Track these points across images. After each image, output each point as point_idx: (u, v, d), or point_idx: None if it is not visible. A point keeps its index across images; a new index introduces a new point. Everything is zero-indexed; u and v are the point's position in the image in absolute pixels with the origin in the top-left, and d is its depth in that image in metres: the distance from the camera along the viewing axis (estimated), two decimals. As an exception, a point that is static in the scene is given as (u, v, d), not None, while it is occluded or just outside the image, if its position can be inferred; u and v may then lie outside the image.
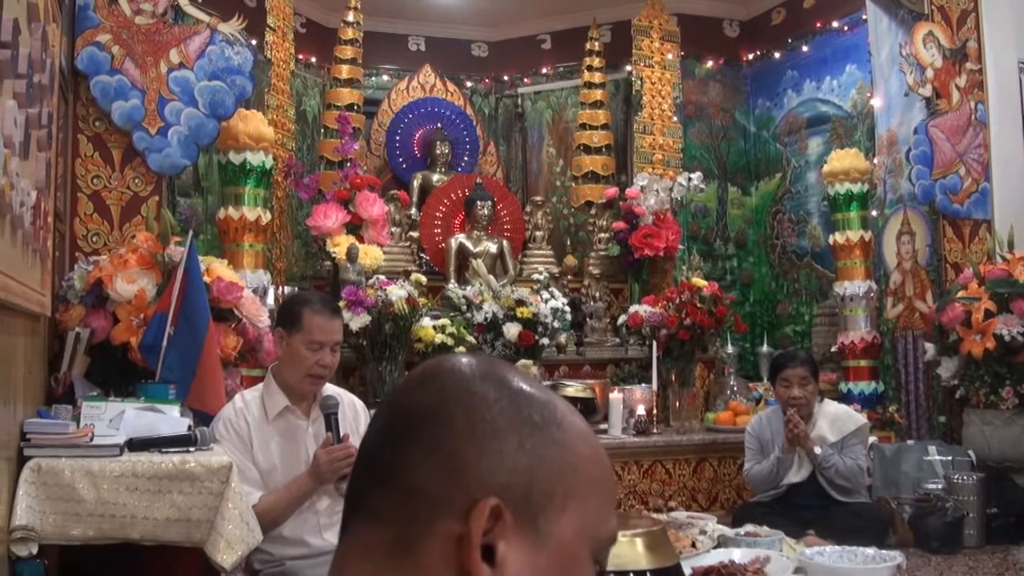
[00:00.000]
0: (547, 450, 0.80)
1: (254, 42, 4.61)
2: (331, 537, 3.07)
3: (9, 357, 2.31)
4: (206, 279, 3.47)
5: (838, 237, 5.81)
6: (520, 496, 0.77)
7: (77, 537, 2.38)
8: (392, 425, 0.83)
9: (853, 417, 4.36)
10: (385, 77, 7.28)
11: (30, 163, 2.39)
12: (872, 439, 4.77)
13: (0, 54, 1.86)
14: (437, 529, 0.76)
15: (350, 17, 6.39)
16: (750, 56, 7.21)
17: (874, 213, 5.82)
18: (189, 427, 2.83)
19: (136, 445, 2.64)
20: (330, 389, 3.23)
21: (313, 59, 6.82)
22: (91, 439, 2.58)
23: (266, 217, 4.87)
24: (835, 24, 6.47)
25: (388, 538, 0.79)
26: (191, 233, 3.40)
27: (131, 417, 2.79)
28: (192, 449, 2.68)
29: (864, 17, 5.92)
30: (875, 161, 5.80)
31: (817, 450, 4.15)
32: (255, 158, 4.79)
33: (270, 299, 4.82)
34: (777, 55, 6.99)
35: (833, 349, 5.85)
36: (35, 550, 2.30)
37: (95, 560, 2.75)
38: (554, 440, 0.80)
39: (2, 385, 2.19)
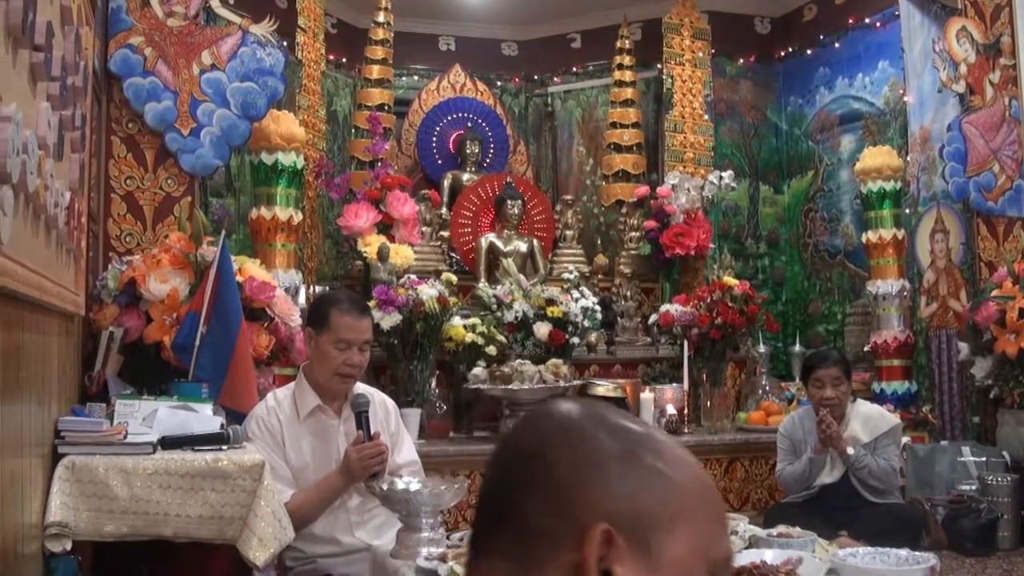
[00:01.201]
0: (649, 477, 0.83)
1: (285, 43, 4.64)
2: (362, 535, 3.08)
3: (44, 356, 2.33)
4: (239, 279, 3.49)
5: (871, 235, 5.76)
6: (628, 521, 0.80)
7: (110, 534, 2.41)
8: (502, 470, 0.89)
9: (886, 417, 4.32)
10: (415, 77, 7.29)
11: (64, 164, 2.42)
12: (905, 439, 4.73)
13: (34, 57, 1.88)
14: (556, 561, 0.80)
15: (381, 18, 6.41)
16: (782, 53, 7.17)
17: (907, 211, 5.77)
18: (222, 425, 2.85)
19: (169, 443, 2.66)
20: (360, 388, 3.25)
21: (344, 60, 6.85)
22: (125, 437, 2.60)
23: (298, 217, 4.90)
24: (867, 20, 6.42)
25: (511, 571, 0.83)
26: (224, 233, 3.43)
27: (164, 415, 2.81)
28: (225, 447, 2.69)
29: (897, 13, 5.87)
30: (908, 158, 5.75)
31: (850, 451, 4.11)
32: (287, 158, 4.82)
33: (302, 298, 4.85)
34: (809, 52, 6.94)
35: (866, 348, 5.81)
36: (69, 546, 2.33)
37: (128, 557, 2.78)
38: (655, 467, 0.84)
39: (37, 383, 2.22)
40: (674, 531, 0.81)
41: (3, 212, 1.53)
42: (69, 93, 2.38)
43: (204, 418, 2.88)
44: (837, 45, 6.68)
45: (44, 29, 1.90)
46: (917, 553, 2.58)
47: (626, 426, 0.87)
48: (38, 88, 1.97)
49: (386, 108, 6.36)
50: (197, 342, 3.21)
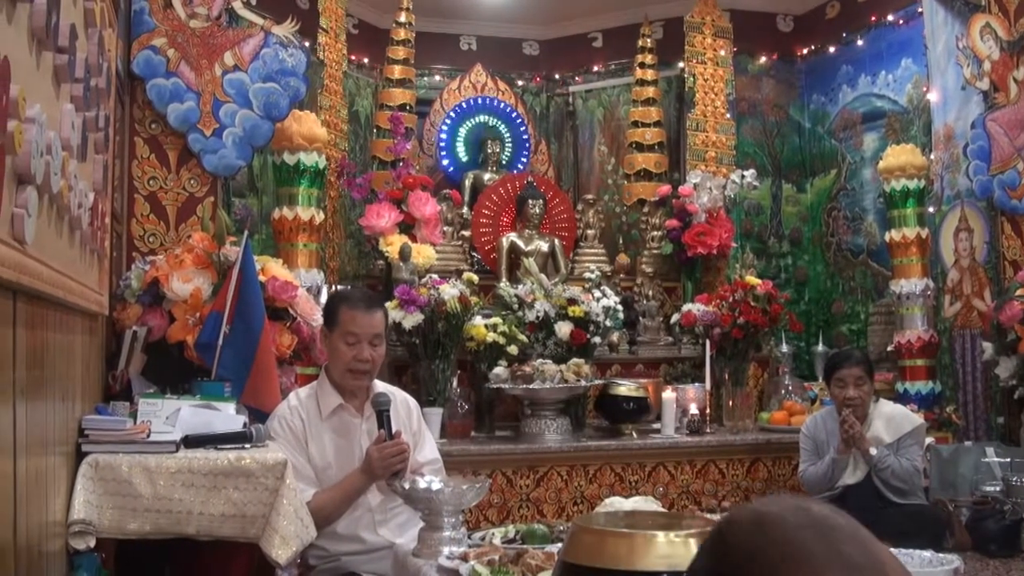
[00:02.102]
0: None
1: (307, 44, 4.65)
2: (385, 533, 3.10)
3: (68, 355, 2.35)
4: (261, 278, 3.50)
5: (894, 234, 5.72)
6: None
7: (133, 531, 2.43)
8: (719, 564, 0.86)
9: (909, 417, 4.29)
10: (437, 77, 7.29)
11: (88, 165, 2.44)
12: (929, 440, 4.69)
13: (57, 59, 1.89)
14: None
15: (402, 18, 6.42)
16: (804, 51, 7.12)
17: (931, 209, 5.73)
18: (244, 424, 2.87)
19: (192, 442, 2.68)
20: (381, 387, 3.26)
21: (365, 60, 6.87)
22: (148, 436, 2.62)
23: (320, 217, 4.92)
24: (890, 17, 6.37)
25: None
26: (246, 233, 3.44)
27: (187, 414, 2.83)
28: (247, 446, 2.71)
29: (919, 10, 5.83)
30: (932, 156, 5.70)
31: (873, 451, 4.09)
32: (308, 158, 4.84)
33: (323, 298, 4.86)
34: (831, 49, 6.89)
35: (889, 348, 5.76)
36: (92, 544, 2.35)
37: (151, 555, 2.80)
38: None
39: (61, 382, 2.24)
40: None
41: (27, 213, 1.54)
42: (92, 94, 2.40)
43: (227, 417, 2.90)
44: (860, 42, 6.63)
45: (68, 31, 1.92)
46: (941, 555, 2.57)
47: (860, 562, 0.82)
48: (62, 90, 1.99)
49: (408, 108, 6.37)
50: (220, 341, 3.22)
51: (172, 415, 2.80)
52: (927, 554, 2.57)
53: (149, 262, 3.58)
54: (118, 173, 3.71)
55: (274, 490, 2.53)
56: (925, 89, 5.91)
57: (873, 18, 6.51)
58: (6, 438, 1.61)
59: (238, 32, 4.27)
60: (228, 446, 2.67)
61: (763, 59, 7.08)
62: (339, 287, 5.34)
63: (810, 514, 0.85)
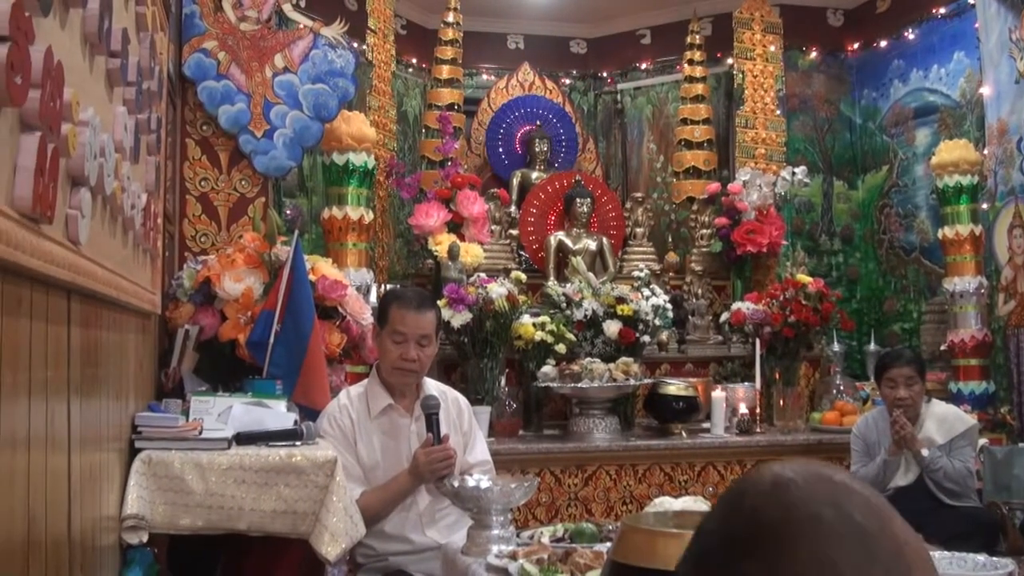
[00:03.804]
0: None
1: (356, 45, 4.68)
2: (433, 534, 3.11)
3: (121, 353, 2.39)
4: (311, 277, 3.53)
5: (947, 231, 5.63)
6: None
7: (186, 527, 2.46)
8: (734, 528, 0.84)
9: (962, 418, 4.22)
10: (485, 76, 7.31)
11: (140, 167, 2.47)
12: (982, 441, 4.61)
13: (110, 63, 1.92)
14: None
15: (450, 18, 6.44)
16: (855, 45, 7.02)
17: (984, 206, 5.62)
18: (295, 422, 2.89)
19: (243, 439, 2.71)
20: (432, 386, 3.27)
21: (414, 60, 6.90)
22: (200, 433, 2.65)
23: (369, 216, 4.95)
24: (942, 11, 6.26)
25: None
26: (297, 233, 3.46)
27: (239, 412, 2.85)
28: (298, 443, 2.73)
29: (972, 2, 5.72)
30: (985, 152, 5.60)
31: (925, 452, 4.03)
32: (358, 158, 4.88)
33: (373, 297, 4.89)
34: (883, 44, 6.79)
35: (943, 347, 5.67)
36: (145, 538, 2.38)
37: (202, 550, 2.84)
38: None
39: (114, 380, 2.27)
40: None
41: (81, 214, 1.57)
42: (144, 97, 2.44)
43: (278, 415, 2.93)
44: (911, 36, 6.53)
45: (120, 36, 1.95)
46: (995, 559, 2.53)
47: (877, 536, 0.80)
48: (114, 93, 2.02)
49: (456, 107, 6.40)
50: (271, 340, 3.25)
51: (224, 413, 2.82)
52: (980, 558, 2.52)
53: (201, 262, 3.62)
54: (170, 174, 3.76)
55: (324, 487, 2.55)
56: (978, 83, 5.80)
57: (924, 11, 6.39)
58: (61, 434, 1.64)
59: (288, 34, 4.31)
60: (279, 443, 2.69)
61: (813, 54, 6.99)
62: (392, 286, 5.37)
63: (831, 485, 0.83)
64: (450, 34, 6.45)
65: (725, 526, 0.84)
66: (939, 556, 2.55)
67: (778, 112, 6.57)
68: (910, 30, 6.53)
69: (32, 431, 1.42)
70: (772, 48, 6.58)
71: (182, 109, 4.13)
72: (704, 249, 6.35)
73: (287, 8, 4.41)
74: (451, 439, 3.10)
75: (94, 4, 1.67)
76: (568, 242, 6.09)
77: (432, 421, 3.04)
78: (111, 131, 1.89)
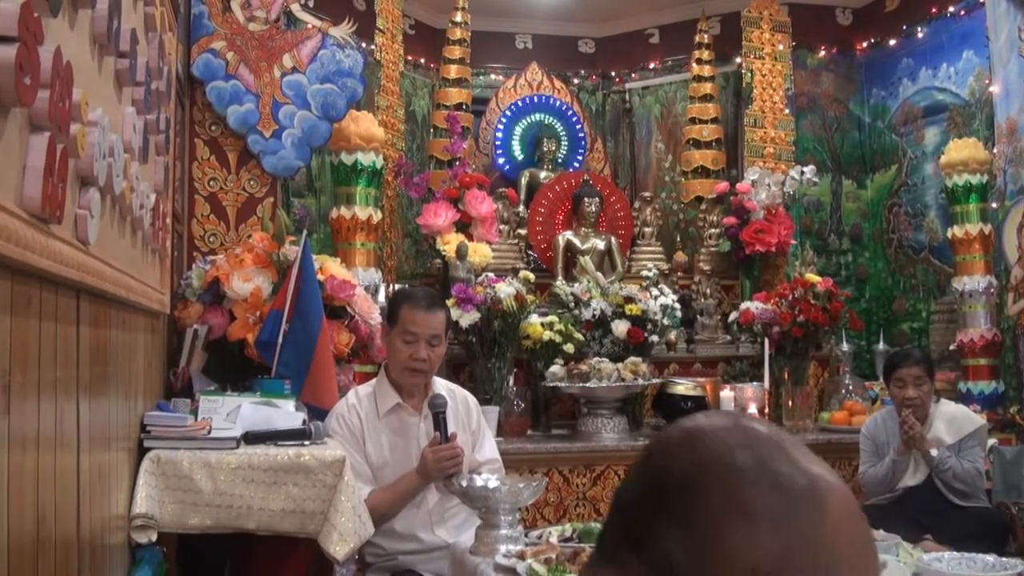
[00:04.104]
0: (803, 533, 0.78)
1: (364, 45, 4.69)
2: (442, 533, 3.11)
3: (130, 352, 2.40)
4: (320, 277, 3.53)
5: (956, 231, 5.62)
6: None
7: (194, 526, 2.46)
8: (646, 485, 0.84)
9: (971, 418, 4.21)
10: (493, 76, 7.31)
11: (149, 167, 2.48)
12: (992, 441, 4.59)
13: (119, 63, 1.93)
14: None
15: (458, 17, 6.45)
16: (864, 44, 7.00)
17: (994, 205, 5.60)
18: (304, 421, 2.89)
19: (252, 438, 2.71)
20: (441, 386, 3.28)
21: (422, 60, 6.91)
22: (209, 432, 2.65)
23: (377, 216, 4.96)
24: (951, 9, 6.23)
25: None
26: (305, 232, 3.47)
27: (247, 411, 2.85)
28: (307, 443, 2.73)
29: (981, 1, 5.71)
30: (995, 151, 5.57)
31: (933, 452, 4.01)
32: (366, 158, 4.88)
33: (381, 297, 4.90)
34: (892, 42, 6.76)
35: (952, 347, 5.66)
36: (154, 537, 2.38)
37: (210, 549, 2.85)
38: (812, 526, 0.79)
39: (123, 379, 2.28)
40: None
41: (90, 214, 1.57)
42: (153, 98, 2.44)
43: (286, 414, 2.93)
44: (920, 35, 6.50)
45: (129, 36, 1.95)
46: (1004, 559, 2.52)
47: (791, 471, 0.81)
48: (123, 93, 2.03)
49: (464, 107, 6.40)
50: (280, 339, 3.26)
51: (232, 412, 2.82)
52: (990, 558, 2.51)
53: (210, 262, 3.63)
54: (179, 174, 3.77)
55: (332, 487, 2.55)
56: (987, 82, 5.78)
57: (934, 10, 6.37)
58: (70, 434, 1.65)
59: (296, 34, 4.32)
60: (287, 443, 2.69)
61: (822, 53, 6.97)
62: (401, 285, 5.37)
63: (738, 431, 0.83)
64: (458, 34, 6.46)
65: (639, 487, 0.85)
66: (948, 556, 2.54)
67: (787, 111, 6.55)
68: (919, 29, 6.51)
69: (41, 430, 1.42)
70: (781, 47, 6.57)
71: (191, 109, 4.14)
72: (713, 248, 6.34)
73: (295, 8, 4.42)
74: (459, 438, 3.10)
75: (103, 5, 1.67)
76: (576, 242, 6.09)
77: (439, 420, 3.04)
78: (120, 131, 1.90)
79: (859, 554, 0.81)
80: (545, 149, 6.70)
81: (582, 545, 2.58)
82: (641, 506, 0.83)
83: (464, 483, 2.78)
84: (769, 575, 0.76)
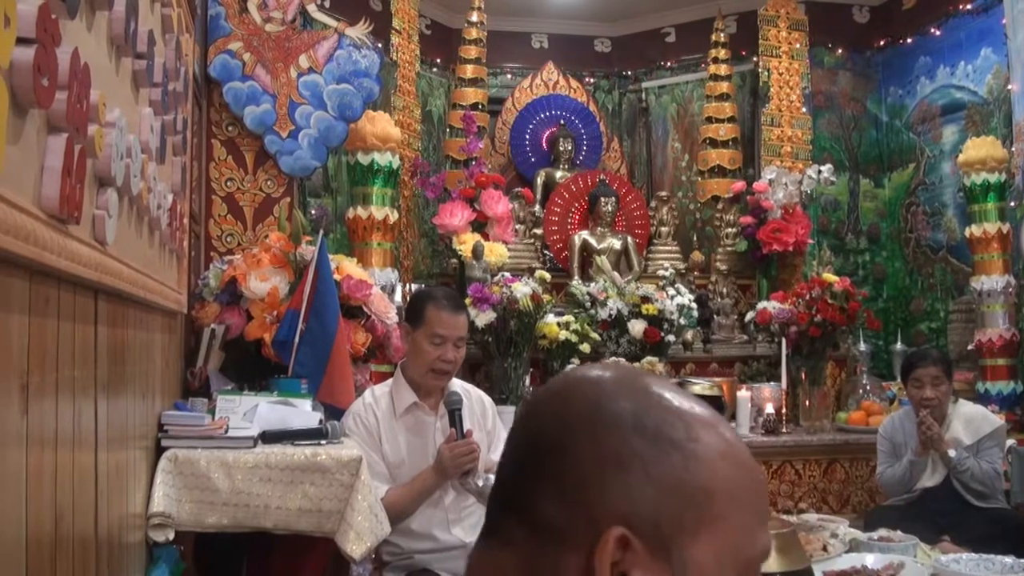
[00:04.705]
0: (676, 476, 0.77)
1: (380, 45, 4.70)
2: (459, 532, 3.11)
3: (148, 352, 2.41)
4: (336, 277, 3.54)
5: (975, 230, 5.59)
6: (649, 526, 0.76)
7: (212, 525, 2.47)
8: (521, 451, 0.84)
9: (989, 418, 4.18)
10: (509, 75, 7.32)
11: (166, 167, 2.49)
12: (1010, 442, 4.56)
13: (136, 64, 1.94)
14: (566, 563, 0.76)
15: (474, 17, 6.45)
16: (881, 42, 6.97)
17: (1012, 204, 5.57)
18: (320, 421, 2.90)
19: (269, 437, 2.72)
20: (457, 385, 3.28)
21: (438, 60, 6.91)
22: (226, 431, 2.67)
23: (393, 216, 4.96)
24: (969, 6, 6.19)
25: (519, 564, 0.80)
26: (322, 232, 3.48)
27: (264, 410, 2.86)
28: (323, 442, 2.74)
29: (998, -3, 5.68)
30: (1013, 149, 5.53)
31: (951, 453, 3.99)
32: (382, 158, 4.89)
33: (398, 296, 4.91)
34: (909, 40, 6.73)
35: (970, 347, 5.62)
36: (171, 536, 2.40)
37: (228, 548, 2.86)
38: (684, 464, 0.78)
39: (141, 379, 2.29)
40: (699, 535, 0.77)
41: (108, 214, 1.58)
42: (171, 98, 2.45)
43: (303, 413, 2.94)
44: (938, 33, 6.47)
45: (146, 37, 1.96)
46: (1022, 560, 2.50)
47: (658, 413, 0.80)
48: (141, 94, 2.04)
49: (480, 107, 6.41)
50: (296, 339, 3.27)
51: (250, 411, 2.84)
52: (1008, 560, 2.50)
53: (227, 261, 3.64)
54: (196, 175, 3.78)
55: (349, 486, 2.56)
56: (1005, 79, 5.74)
57: (951, 7, 6.33)
58: (88, 433, 1.66)
59: (312, 35, 4.33)
60: (304, 442, 2.70)
61: (839, 51, 6.94)
62: (420, 286, 5.38)
63: (596, 386, 0.83)
64: (474, 33, 6.46)
65: (514, 455, 0.85)
66: (966, 558, 2.53)
67: (804, 110, 6.54)
68: (936, 26, 6.47)
69: (60, 429, 1.43)
70: (798, 45, 6.55)
71: (208, 110, 4.16)
72: (729, 248, 6.33)
73: (312, 9, 4.43)
74: (475, 436, 3.10)
75: (120, 6, 1.68)
76: (592, 241, 6.08)
77: (455, 417, 3.04)
78: (137, 132, 1.91)
79: (742, 493, 0.80)
80: (561, 149, 6.70)
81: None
82: (518, 474, 0.83)
83: (480, 482, 2.78)
84: (649, 521, 0.76)
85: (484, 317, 4.83)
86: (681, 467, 0.78)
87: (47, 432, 1.36)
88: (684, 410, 0.81)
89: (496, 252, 5.32)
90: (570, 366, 4.91)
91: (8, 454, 1.17)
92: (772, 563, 1.86)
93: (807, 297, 5.50)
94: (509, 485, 0.84)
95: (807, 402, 5.35)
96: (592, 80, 7.47)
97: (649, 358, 5.01)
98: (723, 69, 6.67)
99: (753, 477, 0.82)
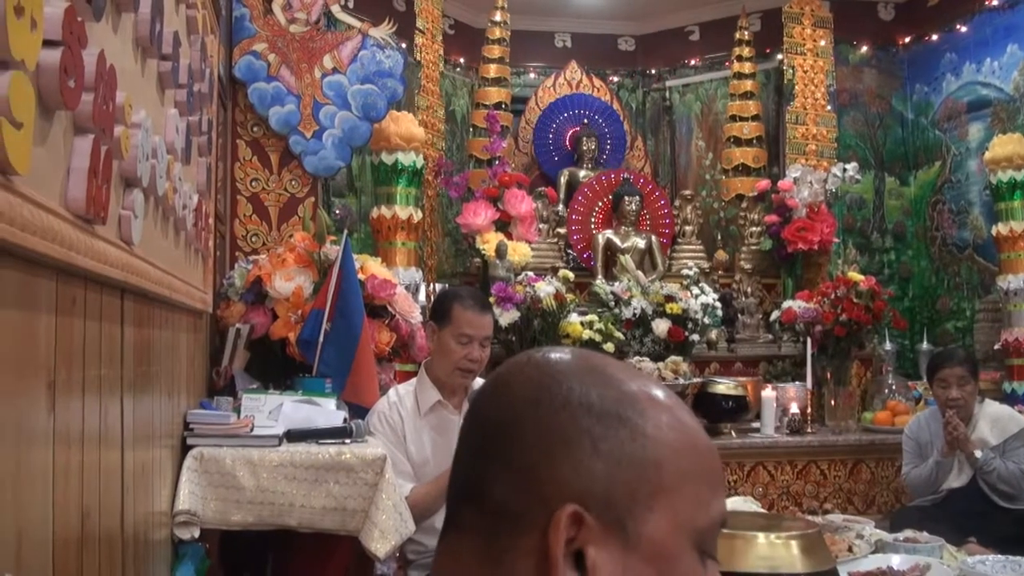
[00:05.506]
0: (625, 449, 0.78)
1: (404, 45, 4.71)
2: (481, 529, 3.12)
3: (173, 351, 2.42)
4: (360, 276, 3.55)
5: (1001, 228, 5.53)
6: (601, 501, 0.76)
7: (237, 523, 2.49)
8: (472, 439, 0.85)
9: (1016, 418, 4.14)
10: (532, 75, 7.32)
11: (192, 168, 2.51)
12: (1037, 442, 4.53)
13: (161, 66, 1.95)
14: (522, 545, 0.77)
15: (497, 17, 6.45)
16: (906, 39, 6.91)
17: (1039, 202, 5.52)
18: (345, 420, 2.91)
19: (294, 436, 2.73)
20: (481, 384, 3.28)
21: (461, 59, 6.92)
22: (251, 430, 2.68)
23: (417, 215, 4.97)
24: (995, 3, 6.13)
25: (478, 550, 0.80)
26: (346, 232, 3.49)
27: (289, 409, 2.88)
28: (348, 441, 2.75)
29: (1024, -6, 5.62)
30: (1039, 146, 5.50)
31: (978, 453, 3.95)
32: (406, 158, 4.90)
33: (422, 296, 4.92)
34: (934, 37, 6.66)
35: (996, 346, 5.57)
36: (197, 534, 2.41)
37: (252, 546, 2.87)
38: (632, 437, 0.78)
39: (167, 378, 2.31)
40: (653, 507, 0.77)
41: (134, 215, 1.59)
42: (196, 99, 2.47)
43: (328, 412, 2.95)
44: (963, 29, 6.40)
45: (171, 39, 1.98)
46: (1050, 562, 2.48)
47: (603, 389, 0.80)
48: (166, 95, 2.05)
49: (503, 106, 6.41)
50: (321, 338, 3.28)
51: (275, 410, 2.85)
52: (1035, 560, 2.48)
53: (252, 261, 3.66)
54: (221, 175, 3.81)
55: (373, 484, 2.57)
56: (1033, 75, 5.70)
57: (977, 3, 6.26)
58: (114, 431, 1.67)
59: (336, 35, 4.35)
60: (329, 441, 2.72)
61: (864, 48, 6.89)
62: (444, 285, 5.39)
63: (538, 369, 0.83)
64: (497, 33, 6.46)
65: (466, 443, 0.86)
66: (992, 559, 2.51)
67: (829, 108, 6.50)
68: (962, 23, 6.41)
69: (86, 428, 1.44)
70: (822, 43, 6.51)
71: (233, 111, 4.18)
72: (754, 247, 6.30)
73: (336, 9, 4.45)
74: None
75: (145, 8, 1.69)
76: (616, 240, 6.08)
77: (478, 414, 3.05)
78: (163, 133, 1.92)
79: (693, 464, 0.81)
80: (585, 148, 6.69)
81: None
82: (470, 462, 0.84)
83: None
84: (600, 497, 0.76)
85: (508, 316, 4.84)
86: (629, 441, 0.78)
87: (74, 431, 1.38)
88: (631, 387, 0.82)
89: (519, 251, 5.33)
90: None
91: (35, 452, 1.19)
92: (797, 563, 1.85)
93: (832, 296, 5.47)
94: (462, 475, 0.85)
95: (832, 402, 5.32)
96: (616, 79, 7.46)
97: (673, 357, 4.99)
98: (747, 67, 6.64)
99: (703, 447, 0.83)
